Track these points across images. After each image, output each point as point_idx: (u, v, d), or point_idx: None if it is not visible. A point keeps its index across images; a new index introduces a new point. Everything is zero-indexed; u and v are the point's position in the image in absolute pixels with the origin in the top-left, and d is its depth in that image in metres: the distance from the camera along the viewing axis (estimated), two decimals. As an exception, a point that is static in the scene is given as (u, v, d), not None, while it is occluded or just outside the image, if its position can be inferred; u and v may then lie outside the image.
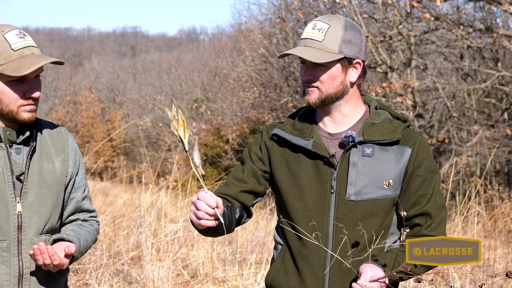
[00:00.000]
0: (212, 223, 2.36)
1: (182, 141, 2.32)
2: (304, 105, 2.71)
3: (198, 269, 6.52)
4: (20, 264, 2.52)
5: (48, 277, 2.57)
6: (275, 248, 2.70)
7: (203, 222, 2.34)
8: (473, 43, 14.74)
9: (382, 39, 15.58)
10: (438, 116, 16.70)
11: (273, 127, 2.69)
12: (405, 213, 2.48)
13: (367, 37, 15.47)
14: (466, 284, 5.48)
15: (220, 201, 2.38)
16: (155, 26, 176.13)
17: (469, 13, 16.02)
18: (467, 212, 7.69)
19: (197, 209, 2.34)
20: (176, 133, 2.33)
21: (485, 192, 9.31)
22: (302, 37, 2.58)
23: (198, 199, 2.35)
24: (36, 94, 2.50)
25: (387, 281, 2.37)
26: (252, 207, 2.71)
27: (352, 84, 2.60)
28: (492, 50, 16.41)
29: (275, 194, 2.69)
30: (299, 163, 2.60)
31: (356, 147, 2.55)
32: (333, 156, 2.56)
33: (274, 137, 2.66)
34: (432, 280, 5.23)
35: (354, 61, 2.58)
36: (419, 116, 16.13)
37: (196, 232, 7.27)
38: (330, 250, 2.53)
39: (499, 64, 16.40)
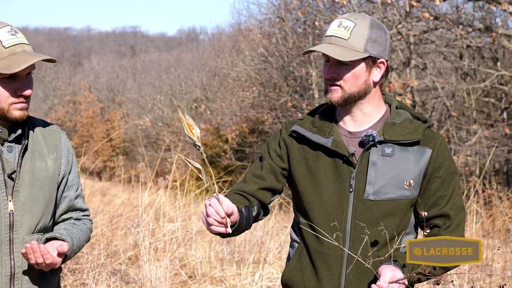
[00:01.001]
0: (221, 229, 2.36)
1: (195, 144, 2.32)
2: (325, 102, 2.69)
3: (196, 269, 6.50)
4: (12, 263, 2.49)
5: (40, 276, 2.55)
6: (291, 246, 2.68)
7: (213, 228, 2.35)
8: (472, 43, 14.73)
9: (381, 38, 15.56)
10: (437, 116, 16.70)
11: (293, 124, 2.67)
12: (425, 213, 2.46)
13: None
14: (464, 283, 5.47)
15: (233, 208, 2.38)
16: (155, 26, 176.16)
17: (468, 12, 16.02)
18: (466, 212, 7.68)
19: (207, 215, 2.34)
20: (190, 139, 2.33)
21: (483, 191, 9.30)
22: (327, 34, 2.55)
23: (209, 205, 2.35)
24: (27, 92, 2.47)
25: (406, 283, 2.35)
26: (270, 204, 2.70)
27: (375, 84, 2.58)
28: (492, 50, 16.41)
29: (292, 192, 2.68)
30: (318, 161, 2.58)
31: (376, 147, 2.53)
32: (352, 154, 2.53)
33: (294, 134, 2.64)
34: (452, 281, 5.23)
35: (378, 61, 2.55)
36: (418, 115, 16.14)
37: (194, 231, 7.27)
38: (347, 249, 2.51)
39: (499, 64, 16.40)
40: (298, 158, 2.62)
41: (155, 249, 6.50)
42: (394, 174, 2.51)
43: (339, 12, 16.77)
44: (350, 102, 2.55)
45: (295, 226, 2.67)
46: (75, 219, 2.68)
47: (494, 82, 15.19)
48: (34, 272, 2.53)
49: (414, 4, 14.22)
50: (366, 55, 2.51)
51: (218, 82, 28.56)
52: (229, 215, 2.36)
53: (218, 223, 2.34)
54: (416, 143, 2.54)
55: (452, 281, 4.68)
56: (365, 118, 2.59)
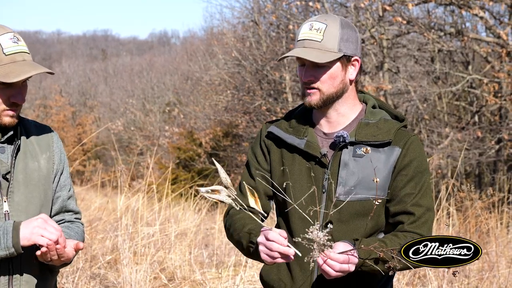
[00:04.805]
0: (289, 258, 2.39)
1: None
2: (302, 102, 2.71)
3: (176, 272, 6.50)
4: (10, 264, 2.48)
5: (39, 276, 2.54)
6: None
7: (279, 260, 2.38)
8: (444, 47, 14.91)
9: (354, 42, 15.67)
10: (410, 119, 16.86)
11: (270, 125, 2.70)
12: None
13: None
14: (443, 284, 5.54)
15: (284, 232, 2.40)
16: (126, 30, 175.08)
17: (439, 17, 16.22)
18: (439, 214, 7.77)
19: (271, 250, 2.37)
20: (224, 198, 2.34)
21: (456, 194, 9.41)
22: (299, 39, 2.56)
23: (268, 240, 2.37)
24: (20, 101, 2.47)
25: (356, 254, 2.35)
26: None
27: (351, 82, 2.61)
28: (463, 54, 16.61)
29: (273, 193, 2.70)
30: (294, 162, 2.61)
31: (348, 148, 2.56)
32: (324, 155, 2.56)
33: (270, 135, 2.67)
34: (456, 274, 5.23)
35: (353, 59, 2.59)
36: (391, 119, 16.27)
37: (173, 235, 7.25)
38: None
39: (470, 67, 16.61)
40: (276, 160, 2.65)
41: (134, 253, 6.48)
42: (364, 175, 2.53)
43: (311, 17, 16.86)
44: (328, 103, 2.58)
45: (277, 227, 2.70)
46: (68, 222, 2.67)
47: (465, 85, 15.39)
48: (33, 272, 2.52)
49: (387, 8, 14.35)
50: (340, 54, 2.54)
51: (191, 86, 28.48)
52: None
53: (284, 255, 2.37)
54: (388, 143, 2.56)
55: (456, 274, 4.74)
56: (340, 118, 2.62)
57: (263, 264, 2.59)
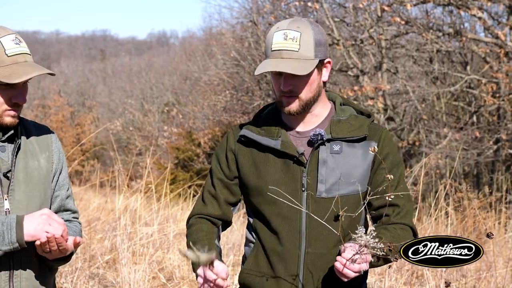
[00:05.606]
0: None
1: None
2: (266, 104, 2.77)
3: (174, 272, 6.51)
4: (11, 261, 2.51)
5: (39, 273, 2.57)
6: (247, 245, 2.71)
7: None
8: (442, 47, 14.93)
9: (353, 42, 15.70)
10: (408, 119, 16.88)
11: (240, 129, 2.70)
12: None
13: (338, 40, 15.60)
14: (441, 284, 5.56)
15: (226, 271, 2.44)
16: (125, 30, 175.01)
17: (438, 17, 16.23)
18: (437, 214, 7.79)
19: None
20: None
21: (455, 192, 9.43)
22: (274, 49, 2.54)
23: (206, 278, 2.42)
24: (22, 101, 2.51)
25: (366, 252, 2.35)
26: (232, 217, 2.77)
27: (324, 84, 2.64)
28: (461, 54, 16.63)
29: (244, 195, 2.71)
30: (268, 162, 2.61)
31: (325, 145, 2.58)
32: (302, 154, 2.58)
33: (242, 139, 2.66)
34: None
35: (325, 61, 2.61)
36: (390, 119, 16.28)
37: (171, 235, 7.27)
38: (303, 247, 2.56)
39: (468, 68, 16.63)
40: (247, 163, 2.65)
41: (133, 253, 6.48)
42: (344, 171, 2.56)
43: (311, 17, 16.87)
44: (308, 108, 2.60)
45: (250, 227, 2.71)
46: (66, 221, 2.69)
47: (464, 86, 15.41)
48: (33, 269, 2.55)
49: (386, 8, 14.37)
50: (317, 60, 2.55)
51: (190, 86, 28.49)
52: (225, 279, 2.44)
53: None
54: (363, 138, 2.60)
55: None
56: (313, 118, 2.64)
57: None
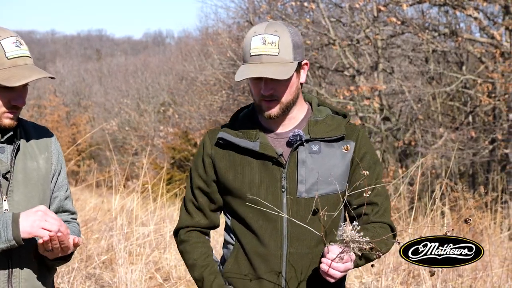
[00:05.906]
0: None
1: None
2: (242, 106, 2.76)
3: (171, 272, 6.51)
4: (9, 262, 2.50)
5: (38, 274, 2.57)
6: (225, 247, 2.70)
7: None
8: (438, 47, 14.97)
9: (349, 42, 15.73)
10: (404, 119, 16.91)
11: (216, 132, 2.69)
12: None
13: (334, 40, 15.62)
14: (437, 284, 5.57)
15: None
16: (121, 30, 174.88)
17: (433, 17, 16.27)
18: (433, 214, 7.81)
19: None
20: None
21: (451, 192, 9.46)
22: (253, 54, 2.53)
23: None
24: (21, 104, 2.51)
25: (351, 253, 2.36)
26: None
27: (301, 85, 2.65)
28: (457, 54, 16.67)
29: (223, 197, 2.70)
30: (247, 165, 2.61)
31: (304, 145, 2.59)
32: (281, 155, 2.58)
33: (220, 141, 2.65)
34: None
35: (303, 63, 2.62)
36: (386, 119, 16.31)
37: (167, 235, 7.27)
38: (285, 247, 2.57)
39: (464, 68, 16.67)
40: (225, 165, 2.65)
41: (129, 253, 6.48)
42: (323, 171, 2.57)
43: (307, 17, 16.88)
44: (288, 111, 2.61)
45: (228, 229, 2.69)
46: (65, 222, 2.69)
47: (459, 86, 15.45)
48: (32, 270, 2.55)
49: (382, 8, 14.40)
50: (296, 63, 2.55)
51: (186, 86, 28.49)
52: None
53: None
54: (341, 138, 2.61)
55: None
56: (291, 120, 2.65)
57: None
